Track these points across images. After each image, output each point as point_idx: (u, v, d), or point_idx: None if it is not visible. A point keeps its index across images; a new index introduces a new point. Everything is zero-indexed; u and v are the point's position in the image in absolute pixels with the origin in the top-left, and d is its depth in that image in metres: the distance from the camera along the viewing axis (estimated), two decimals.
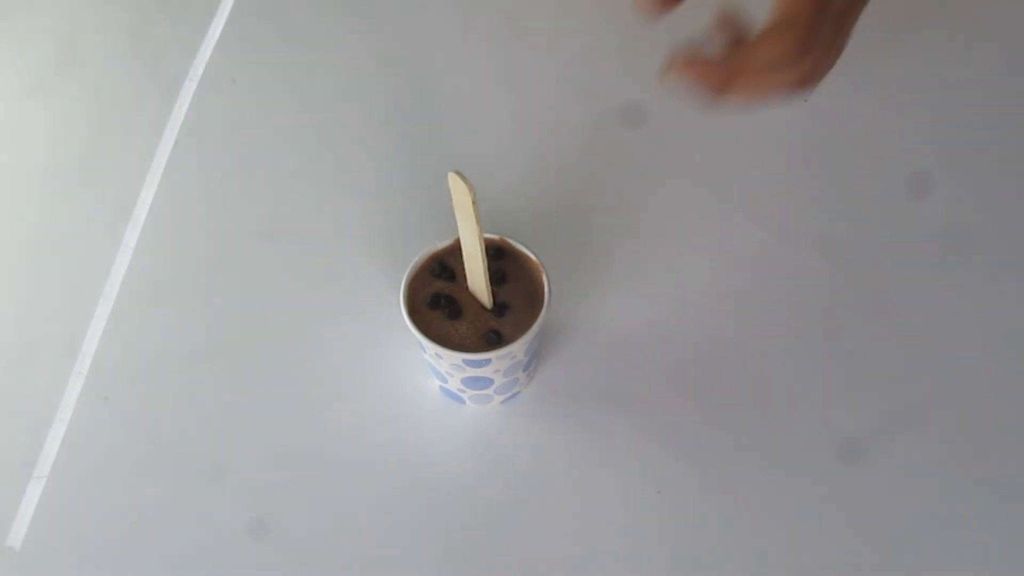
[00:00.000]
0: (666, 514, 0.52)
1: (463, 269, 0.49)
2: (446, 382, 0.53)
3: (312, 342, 0.58)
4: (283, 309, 0.60)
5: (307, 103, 0.69)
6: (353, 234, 0.62)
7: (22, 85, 0.71)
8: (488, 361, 0.48)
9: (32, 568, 0.52)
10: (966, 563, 0.50)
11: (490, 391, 0.52)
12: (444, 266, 0.50)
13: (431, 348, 0.48)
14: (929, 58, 0.65)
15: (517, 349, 0.48)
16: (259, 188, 0.65)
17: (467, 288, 0.50)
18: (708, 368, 0.56)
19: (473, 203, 0.43)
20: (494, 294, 0.49)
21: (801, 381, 0.55)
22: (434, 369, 0.52)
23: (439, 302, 0.49)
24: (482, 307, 0.49)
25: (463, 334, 0.48)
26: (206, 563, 0.52)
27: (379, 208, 0.63)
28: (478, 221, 0.44)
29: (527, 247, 0.50)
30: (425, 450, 0.54)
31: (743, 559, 0.51)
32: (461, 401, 0.55)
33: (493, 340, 0.48)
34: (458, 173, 0.43)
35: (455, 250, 0.50)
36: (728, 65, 0.44)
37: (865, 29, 0.46)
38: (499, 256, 0.50)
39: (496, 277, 0.49)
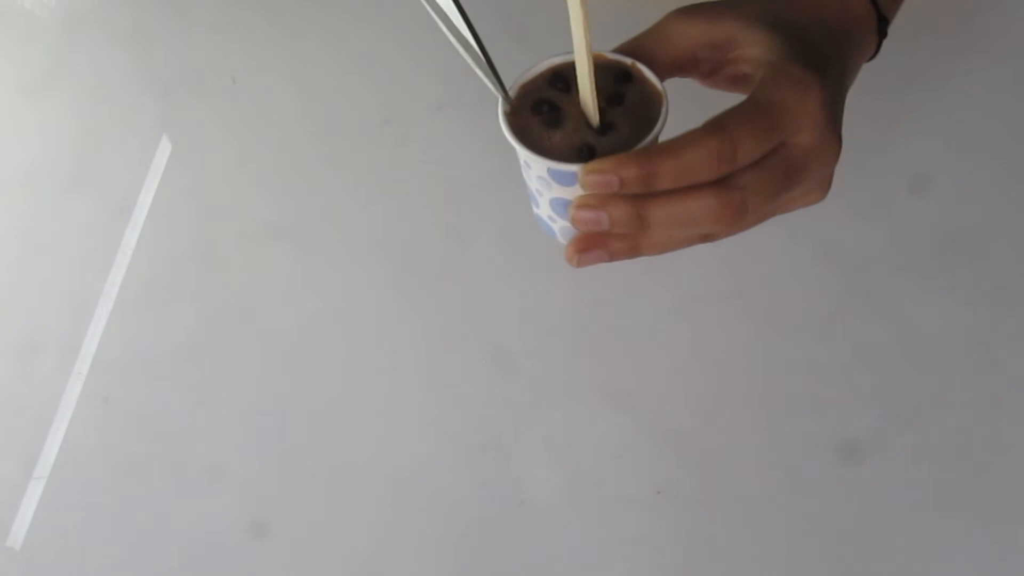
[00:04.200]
0: (666, 514, 0.52)
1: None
2: (538, 206, 0.48)
3: (312, 342, 0.58)
4: (283, 308, 0.60)
5: (307, 102, 0.69)
6: (352, 236, 0.62)
7: (22, 85, 0.71)
8: (573, 176, 0.42)
9: (32, 568, 0.52)
10: (966, 563, 0.50)
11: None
12: (562, 77, 0.44)
13: (522, 153, 0.43)
14: (929, 57, 0.64)
15: None
16: (259, 188, 0.65)
17: (579, 103, 0.44)
18: (708, 367, 0.56)
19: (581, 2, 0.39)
20: (604, 113, 0.43)
21: (801, 381, 0.55)
22: (529, 191, 0.48)
23: (541, 108, 0.43)
24: (587, 123, 0.43)
25: (555, 143, 0.43)
26: (206, 563, 0.52)
27: (378, 208, 0.63)
28: (586, 18, 0.40)
29: (657, 77, 0.44)
30: (427, 451, 0.54)
31: (743, 559, 0.50)
32: (552, 233, 0.49)
33: (585, 155, 0.42)
34: None
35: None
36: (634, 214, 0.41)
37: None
38: (625, 80, 0.45)
39: (613, 97, 0.44)
